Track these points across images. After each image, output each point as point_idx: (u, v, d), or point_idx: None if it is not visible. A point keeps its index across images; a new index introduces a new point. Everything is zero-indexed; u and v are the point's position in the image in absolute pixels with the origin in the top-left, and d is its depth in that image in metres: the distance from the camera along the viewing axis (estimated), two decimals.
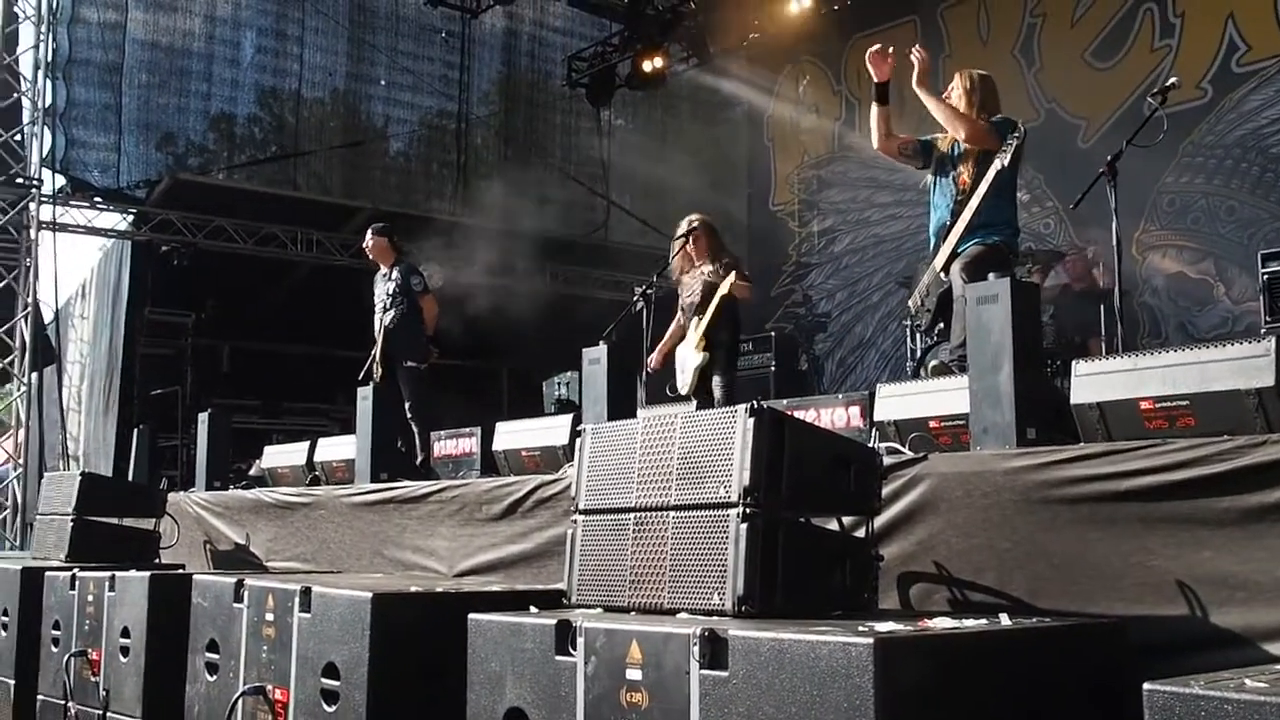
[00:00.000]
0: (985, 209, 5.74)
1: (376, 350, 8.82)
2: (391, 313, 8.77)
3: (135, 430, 10.60)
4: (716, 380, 7.30)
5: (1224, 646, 2.93)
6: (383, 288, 8.98)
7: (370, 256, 9.18)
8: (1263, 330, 6.55)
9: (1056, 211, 11.60)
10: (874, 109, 6.17)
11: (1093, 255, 9.45)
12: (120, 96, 13.33)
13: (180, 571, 6.05)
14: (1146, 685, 1.96)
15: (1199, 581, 3.03)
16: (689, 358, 7.37)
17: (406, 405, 8.44)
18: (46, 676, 5.69)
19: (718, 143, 15.77)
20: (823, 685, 2.41)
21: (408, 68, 15.40)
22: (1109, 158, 5.38)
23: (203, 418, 8.44)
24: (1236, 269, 10.37)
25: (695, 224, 7.57)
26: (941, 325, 6.05)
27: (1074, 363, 3.86)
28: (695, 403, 6.92)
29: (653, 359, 7.39)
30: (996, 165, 5.67)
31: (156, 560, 7.08)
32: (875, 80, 6.11)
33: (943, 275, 5.89)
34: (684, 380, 7.39)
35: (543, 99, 16.49)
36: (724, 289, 7.11)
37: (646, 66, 15.26)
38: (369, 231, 9.20)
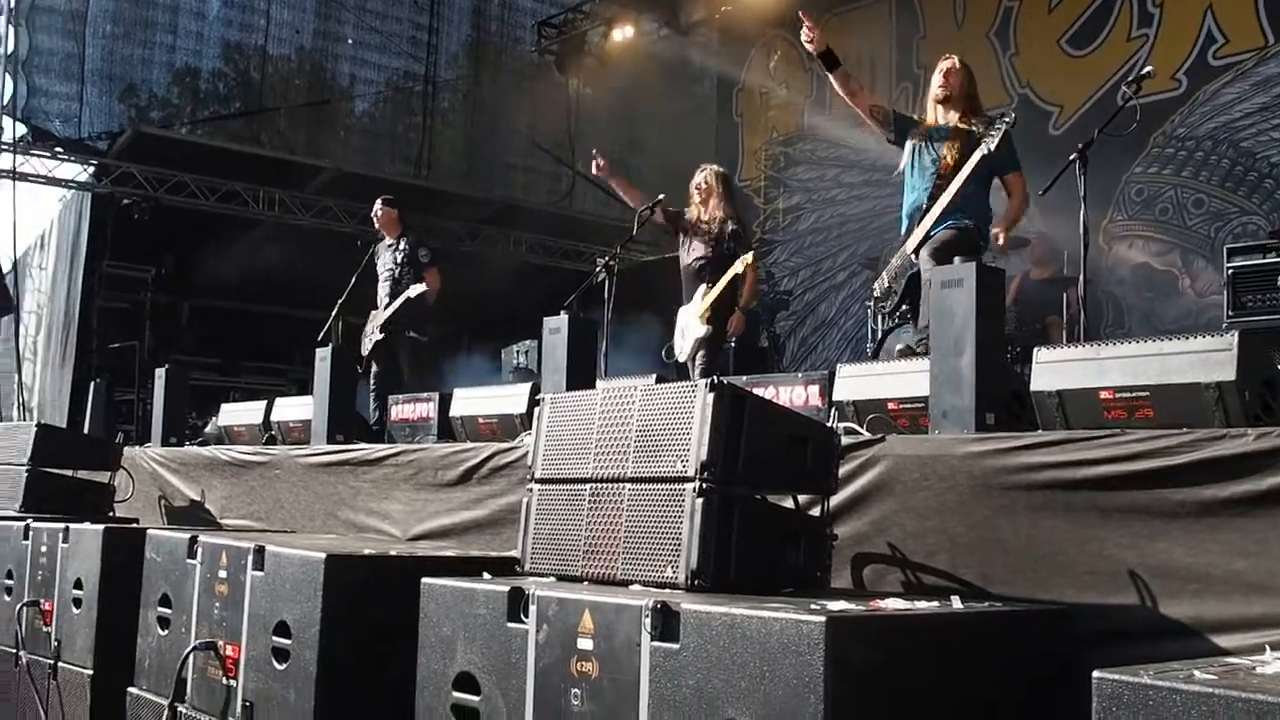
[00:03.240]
0: (963, 193, 5.74)
1: (375, 316, 8.92)
2: (401, 282, 8.88)
3: (92, 383, 10.50)
4: (701, 354, 7.19)
5: (1173, 637, 2.94)
6: (388, 257, 9.15)
7: (377, 226, 9.29)
8: (1225, 324, 6.58)
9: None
10: (830, 77, 6.18)
11: (1059, 243, 9.44)
12: (84, 46, 13.12)
13: (134, 526, 6.00)
14: (1096, 673, 1.96)
15: (1151, 572, 3.04)
16: (691, 325, 7.17)
17: (405, 375, 8.58)
18: None
19: (686, 115, 15.62)
20: (773, 661, 2.41)
21: (376, 27, 15.22)
22: (1080, 145, 5.38)
23: (160, 373, 8.35)
24: (1202, 262, 10.40)
25: (707, 174, 7.40)
26: (905, 307, 6.05)
27: (1035, 350, 3.86)
28: (654, 376, 6.88)
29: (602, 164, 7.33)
30: (983, 149, 5.66)
31: (110, 514, 7.02)
32: (814, 53, 6.11)
33: (914, 258, 5.89)
34: (683, 346, 7.25)
35: (511, 65, 16.34)
36: (739, 268, 6.94)
37: (617, 36, 15.15)
38: (379, 201, 9.34)
